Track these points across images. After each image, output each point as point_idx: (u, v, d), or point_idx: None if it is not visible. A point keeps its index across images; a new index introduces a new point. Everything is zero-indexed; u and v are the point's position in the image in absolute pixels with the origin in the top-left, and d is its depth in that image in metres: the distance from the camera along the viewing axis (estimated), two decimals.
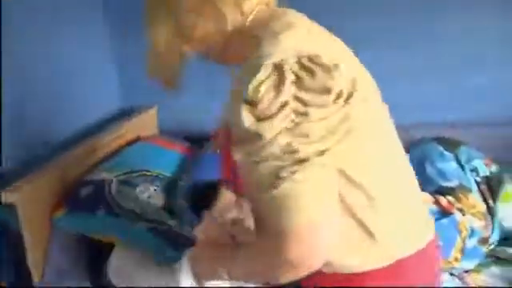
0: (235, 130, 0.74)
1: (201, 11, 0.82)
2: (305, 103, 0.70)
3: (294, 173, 0.69)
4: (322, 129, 0.70)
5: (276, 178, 0.70)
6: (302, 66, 0.71)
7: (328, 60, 0.72)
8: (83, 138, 1.80)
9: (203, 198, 1.58)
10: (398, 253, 0.82)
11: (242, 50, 0.80)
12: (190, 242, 1.50)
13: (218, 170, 1.73)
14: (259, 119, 0.70)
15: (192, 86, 2.17)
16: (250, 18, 0.82)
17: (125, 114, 2.20)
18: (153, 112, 2.21)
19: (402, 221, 0.83)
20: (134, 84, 2.23)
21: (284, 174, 0.69)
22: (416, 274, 0.83)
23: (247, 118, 0.71)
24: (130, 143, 1.88)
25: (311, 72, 0.70)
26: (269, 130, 0.69)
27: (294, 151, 0.69)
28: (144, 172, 1.69)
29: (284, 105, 0.70)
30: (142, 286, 1.40)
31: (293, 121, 0.70)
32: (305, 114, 0.70)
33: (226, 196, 1.58)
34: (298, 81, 0.70)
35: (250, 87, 0.70)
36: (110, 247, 1.53)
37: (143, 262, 1.45)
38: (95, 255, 1.59)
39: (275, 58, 0.71)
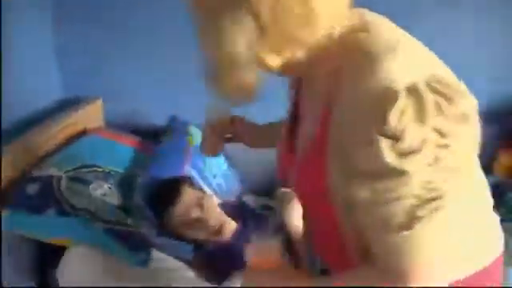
0: (360, 162, 0.65)
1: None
2: (444, 134, 0.63)
3: (432, 212, 0.63)
4: (458, 162, 0.65)
5: (411, 218, 0.64)
6: (435, 91, 0.63)
7: (452, 80, 0.67)
8: (25, 129, 1.63)
9: (163, 195, 1.51)
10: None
11: (328, 63, 0.71)
12: (149, 244, 1.43)
13: (177, 166, 1.67)
14: (401, 154, 0.62)
15: (140, 76, 2.11)
16: (339, 29, 0.71)
17: (69, 104, 2.04)
18: (98, 103, 2.06)
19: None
20: (77, 75, 2.08)
21: (420, 213, 0.63)
22: None
23: (389, 154, 0.62)
24: (78, 136, 1.74)
25: (446, 97, 0.63)
26: (413, 166, 0.62)
27: (434, 189, 0.63)
28: (95, 168, 1.57)
29: (427, 137, 0.63)
30: None
31: (435, 155, 0.63)
32: (445, 147, 0.63)
33: (190, 194, 1.51)
34: (437, 108, 0.63)
35: (392, 119, 0.61)
36: (59, 251, 1.41)
37: (101, 266, 1.34)
38: (43, 259, 1.45)
39: (407, 83, 0.62)
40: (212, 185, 1.80)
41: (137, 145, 1.83)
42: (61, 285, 1.33)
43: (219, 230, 1.50)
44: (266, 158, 2.05)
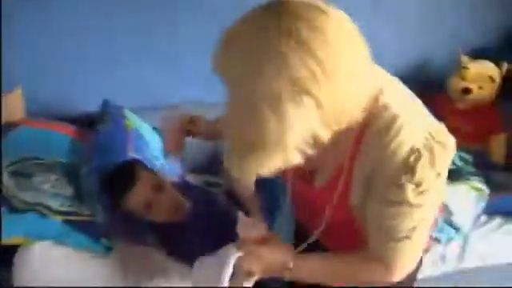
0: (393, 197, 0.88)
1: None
2: (440, 172, 0.86)
3: (420, 231, 0.91)
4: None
5: (413, 229, 0.90)
6: (438, 143, 0.85)
7: (440, 128, 0.89)
8: None
9: (118, 179, 1.47)
10: None
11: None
12: (108, 231, 1.40)
13: (121, 151, 1.62)
14: (419, 193, 0.85)
15: (63, 61, 1.99)
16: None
17: None
18: (18, 93, 1.90)
19: None
20: None
21: (414, 231, 0.90)
22: None
23: (411, 195, 0.85)
24: (9, 129, 1.60)
25: (443, 145, 0.86)
26: (426, 202, 0.87)
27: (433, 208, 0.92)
28: (36, 160, 1.47)
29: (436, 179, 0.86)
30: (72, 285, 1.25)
31: (435, 189, 0.87)
32: (440, 180, 0.88)
33: (146, 176, 1.49)
34: (440, 155, 0.85)
35: (418, 171, 0.83)
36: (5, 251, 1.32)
37: (64, 260, 1.29)
38: None
39: (422, 142, 0.84)
40: (156, 166, 1.77)
41: (73, 133, 1.73)
42: (25, 284, 1.26)
43: (177, 209, 1.51)
44: (199, 140, 2.11)
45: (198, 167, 2.07)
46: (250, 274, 1.00)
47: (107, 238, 1.36)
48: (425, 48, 2.26)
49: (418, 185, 0.85)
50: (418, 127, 0.87)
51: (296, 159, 0.74)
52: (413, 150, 0.83)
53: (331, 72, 0.70)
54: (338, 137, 0.82)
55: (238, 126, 0.73)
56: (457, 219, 1.56)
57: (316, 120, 0.71)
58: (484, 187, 1.71)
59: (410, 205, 0.87)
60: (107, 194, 1.44)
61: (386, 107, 0.86)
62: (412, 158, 0.83)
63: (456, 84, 2.04)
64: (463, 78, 2.02)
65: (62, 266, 1.29)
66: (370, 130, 0.87)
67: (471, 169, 1.80)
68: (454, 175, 1.75)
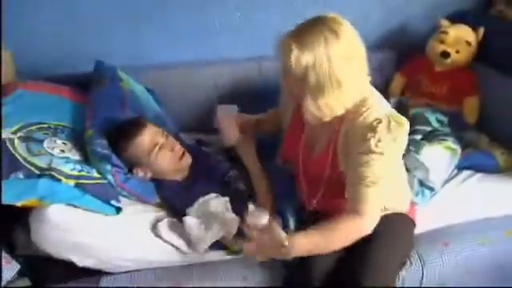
0: (363, 148, 1.25)
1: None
2: (396, 140, 1.25)
3: (383, 178, 1.27)
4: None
5: (378, 177, 1.25)
6: (395, 120, 1.25)
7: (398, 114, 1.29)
8: None
9: (127, 130, 1.55)
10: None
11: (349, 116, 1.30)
12: (116, 192, 1.48)
13: (119, 112, 1.67)
14: (380, 145, 1.23)
15: (51, 23, 1.97)
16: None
17: None
18: (8, 55, 1.88)
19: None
20: None
21: (379, 180, 1.26)
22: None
23: (374, 145, 1.24)
24: (6, 93, 1.62)
25: (399, 122, 1.25)
26: (386, 153, 1.24)
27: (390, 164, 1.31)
28: (41, 125, 1.52)
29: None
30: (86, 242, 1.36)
31: (391, 149, 1.27)
32: (396, 145, 1.27)
33: (152, 126, 1.60)
34: (395, 128, 1.25)
35: (380, 130, 1.23)
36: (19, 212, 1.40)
37: (78, 221, 1.38)
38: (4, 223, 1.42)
39: (382, 116, 1.25)
40: None
41: (70, 95, 1.76)
42: (41, 244, 1.35)
43: (181, 157, 1.60)
44: (191, 98, 2.17)
45: (190, 126, 2.15)
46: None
47: (117, 200, 1.45)
48: (406, 12, 2.33)
49: (379, 140, 1.22)
50: (380, 109, 1.27)
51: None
52: (376, 119, 1.24)
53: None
54: (330, 120, 1.28)
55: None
56: (432, 177, 1.71)
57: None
58: (457, 147, 1.85)
59: (374, 153, 1.23)
60: (115, 145, 1.51)
61: (363, 99, 1.28)
62: (375, 123, 1.23)
63: (435, 47, 2.13)
64: (442, 42, 2.12)
65: (74, 228, 1.38)
66: (348, 113, 1.28)
67: (447, 130, 1.94)
68: (431, 136, 1.89)
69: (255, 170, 1.63)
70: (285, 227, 1.50)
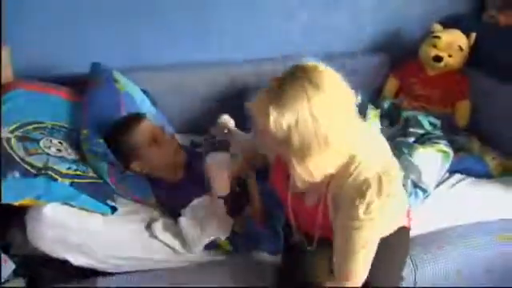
0: (350, 214, 1.16)
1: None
2: (390, 195, 1.15)
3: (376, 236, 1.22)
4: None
5: (366, 243, 1.19)
6: (386, 177, 1.14)
7: (390, 166, 1.20)
8: None
9: (124, 123, 1.57)
10: None
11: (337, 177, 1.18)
12: (112, 191, 1.49)
13: (115, 113, 1.68)
14: (368, 212, 1.14)
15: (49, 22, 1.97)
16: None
17: None
18: (6, 52, 1.89)
19: None
20: None
21: (373, 240, 1.21)
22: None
23: (362, 213, 1.14)
24: (3, 92, 1.62)
25: (391, 177, 1.15)
26: (374, 219, 1.15)
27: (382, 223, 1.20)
28: (37, 124, 1.53)
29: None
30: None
31: (383, 208, 1.16)
32: (389, 200, 1.16)
33: (149, 121, 1.62)
34: (387, 185, 1.14)
35: (368, 196, 1.13)
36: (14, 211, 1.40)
37: (74, 220, 1.39)
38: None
39: (372, 177, 1.14)
40: None
41: (67, 95, 1.77)
42: (37, 243, 1.35)
43: (176, 152, 1.61)
44: (187, 99, 2.18)
45: (186, 127, 2.16)
46: None
47: (112, 199, 1.46)
48: (401, 16, 2.37)
49: (368, 206, 1.13)
50: (371, 166, 1.15)
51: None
52: (365, 181, 1.13)
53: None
54: None
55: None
56: (424, 179, 1.74)
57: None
58: (449, 150, 1.88)
59: (361, 220, 1.14)
60: (112, 140, 1.53)
61: (351, 156, 1.16)
62: (364, 187, 1.13)
63: (428, 52, 2.17)
64: (435, 46, 2.15)
65: (70, 227, 1.39)
66: (338, 172, 1.18)
67: (439, 133, 1.97)
68: (423, 138, 1.92)
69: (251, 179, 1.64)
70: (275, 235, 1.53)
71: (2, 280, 1.36)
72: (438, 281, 1.58)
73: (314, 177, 1.15)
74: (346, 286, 1.23)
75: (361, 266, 1.21)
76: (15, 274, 1.41)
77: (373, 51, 2.38)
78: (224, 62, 2.22)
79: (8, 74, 1.88)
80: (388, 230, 1.37)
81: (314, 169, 1.13)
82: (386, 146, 1.27)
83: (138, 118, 1.59)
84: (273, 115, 1.04)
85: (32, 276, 1.45)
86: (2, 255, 1.35)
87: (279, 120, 1.04)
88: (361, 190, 1.13)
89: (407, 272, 1.53)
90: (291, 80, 1.06)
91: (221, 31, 2.18)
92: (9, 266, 1.36)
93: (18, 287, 1.41)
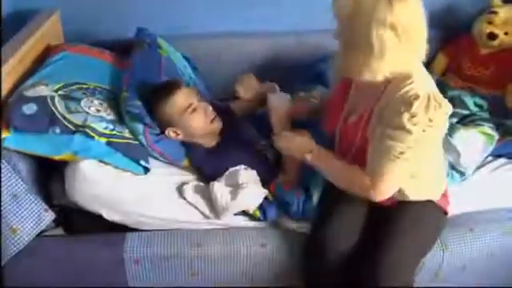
0: (394, 122, 1.23)
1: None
2: (432, 121, 1.21)
3: (406, 155, 1.23)
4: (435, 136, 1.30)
5: (401, 153, 1.23)
6: (435, 100, 1.21)
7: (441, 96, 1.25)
8: None
9: (164, 88, 1.62)
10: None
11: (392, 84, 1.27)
12: (147, 152, 1.55)
13: (156, 78, 1.72)
14: (412, 122, 1.20)
15: None
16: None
17: (22, 19, 1.95)
18: (56, 16, 1.98)
19: None
20: None
21: (403, 156, 1.23)
22: None
23: (406, 121, 1.20)
24: (51, 54, 1.72)
25: (439, 103, 1.21)
26: (414, 130, 1.20)
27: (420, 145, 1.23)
28: (80, 85, 1.60)
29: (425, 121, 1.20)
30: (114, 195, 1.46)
31: (424, 130, 1.21)
32: (431, 127, 1.21)
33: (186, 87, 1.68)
34: (435, 107, 1.20)
35: (414, 107, 1.19)
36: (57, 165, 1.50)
37: (110, 176, 1.46)
38: (44, 175, 1.53)
39: (424, 94, 1.20)
40: None
41: (111, 59, 1.84)
42: (73, 196, 1.45)
43: (213, 120, 1.64)
44: (228, 68, 2.19)
45: (224, 96, 2.18)
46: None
47: (145, 160, 1.51)
48: None
49: (412, 115, 1.19)
50: (424, 87, 1.22)
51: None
52: (415, 94, 1.20)
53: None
54: (370, 90, 1.30)
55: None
56: (463, 161, 1.67)
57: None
58: (494, 133, 1.78)
59: (403, 128, 1.20)
60: (152, 103, 1.57)
61: (407, 75, 1.24)
62: (412, 97, 1.20)
63: (482, 28, 2.04)
64: (490, 22, 2.03)
65: (104, 183, 1.46)
66: (391, 86, 1.26)
67: (485, 115, 1.87)
68: (467, 120, 1.84)
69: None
70: (308, 199, 1.54)
71: (43, 229, 1.46)
72: (467, 262, 1.55)
73: (349, 70, 1.26)
74: (369, 188, 1.30)
75: (388, 177, 1.27)
76: (55, 222, 1.51)
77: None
78: (266, 32, 2.21)
79: (58, 37, 1.98)
80: (424, 186, 1.41)
81: (354, 64, 1.23)
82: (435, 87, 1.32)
83: (175, 84, 1.62)
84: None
85: (70, 225, 1.55)
86: (43, 205, 1.45)
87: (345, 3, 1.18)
88: (408, 100, 1.20)
89: (435, 251, 1.50)
90: None
91: (263, 1, 2.16)
92: (49, 216, 1.46)
93: (57, 235, 1.52)
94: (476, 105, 1.90)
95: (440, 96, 1.23)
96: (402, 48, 1.18)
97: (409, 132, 1.20)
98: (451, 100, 1.89)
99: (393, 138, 1.22)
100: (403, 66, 1.23)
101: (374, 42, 1.17)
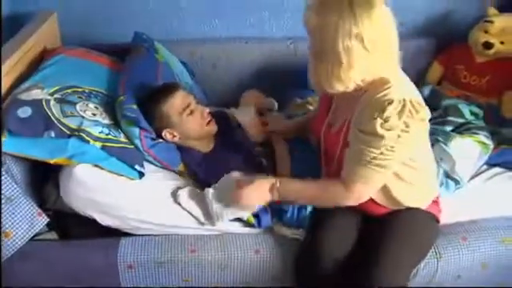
0: (367, 127, 1.23)
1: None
2: (408, 126, 1.21)
3: (385, 160, 1.24)
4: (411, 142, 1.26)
5: (373, 158, 1.24)
6: (411, 105, 1.20)
7: (420, 100, 1.24)
8: None
9: (161, 91, 1.62)
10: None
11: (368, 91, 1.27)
12: (142, 158, 1.55)
13: (152, 82, 1.72)
14: (384, 127, 1.20)
15: None
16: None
17: (19, 21, 1.95)
18: (53, 18, 1.98)
19: None
20: None
21: (375, 161, 1.24)
22: None
23: (378, 127, 1.20)
24: (47, 57, 1.72)
25: (415, 109, 1.21)
26: (387, 135, 1.20)
27: (391, 151, 1.23)
28: (75, 88, 1.60)
29: (399, 125, 1.20)
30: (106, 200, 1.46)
31: (399, 136, 1.21)
32: (406, 132, 1.21)
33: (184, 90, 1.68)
34: (410, 113, 1.20)
35: (387, 112, 1.19)
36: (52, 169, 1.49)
37: (103, 181, 1.46)
38: (39, 179, 1.52)
39: (399, 99, 1.20)
40: None
41: (108, 63, 1.84)
42: (67, 200, 1.44)
43: (210, 122, 1.65)
44: (223, 75, 2.20)
45: (221, 101, 2.19)
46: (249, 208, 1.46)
47: (140, 165, 1.51)
48: None
49: (385, 120, 1.20)
50: (401, 92, 1.22)
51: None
52: (389, 99, 1.20)
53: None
54: (349, 100, 1.30)
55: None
56: (458, 169, 1.67)
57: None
58: (490, 142, 1.79)
59: (376, 134, 1.20)
60: (148, 102, 1.58)
61: (384, 81, 1.24)
62: (386, 103, 1.20)
63: (477, 37, 2.06)
64: (486, 31, 2.04)
65: (98, 188, 1.46)
66: (368, 93, 1.26)
67: (481, 123, 1.88)
68: (462, 128, 1.84)
69: (281, 150, 1.66)
70: (303, 207, 1.54)
71: (37, 232, 1.46)
72: (462, 271, 1.55)
73: (319, 82, 1.26)
74: (345, 194, 1.30)
75: (363, 181, 1.27)
76: (48, 227, 1.50)
77: (418, 35, 2.28)
78: (264, 38, 2.21)
79: (55, 40, 1.98)
80: (410, 192, 1.40)
81: (323, 75, 1.24)
82: (418, 93, 1.31)
83: (172, 86, 1.64)
84: (308, 11, 1.21)
85: (63, 231, 1.54)
86: (37, 208, 1.44)
87: (311, 16, 1.20)
88: (382, 106, 1.20)
89: (429, 259, 1.50)
90: None
91: (261, 7, 2.17)
92: (43, 220, 1.45)
93: (50, 239, 1.51)
94: (472, 113, 1.90)
95: (418, 101, 1.23)
96: (371, 57, 1.20)
97: (381, 137, 1.21)
98: (447, 108, 1.92)
99: (365, 143, 1.23)
100: (375, 73, 1.24)
101: (342, 54, 1.18)
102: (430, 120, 1.85)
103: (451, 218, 1.62)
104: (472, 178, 1.74)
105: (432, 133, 1.77)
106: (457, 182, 1.69)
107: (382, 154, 1.23)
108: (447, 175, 1.69)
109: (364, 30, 1.16)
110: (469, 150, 1.75)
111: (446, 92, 2.09)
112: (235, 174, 1.52)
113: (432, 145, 1.69)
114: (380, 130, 1.20)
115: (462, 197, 1.67)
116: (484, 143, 1.78)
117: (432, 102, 2.02)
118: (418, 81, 2.24)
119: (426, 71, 2.24)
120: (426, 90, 2.04)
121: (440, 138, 1.75)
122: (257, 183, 1.40)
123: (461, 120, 1.88)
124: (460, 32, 2.18)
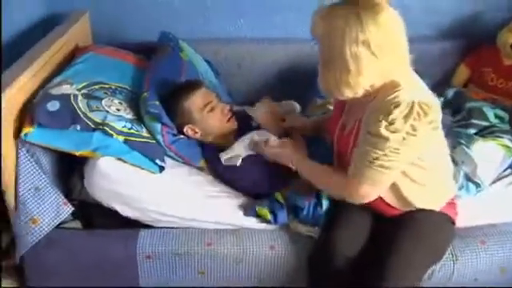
0: (373, 129, 1.24)
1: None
2: (415, 129, 1.20)
3: (388, 161, 1.24)
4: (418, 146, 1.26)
5: (376, 159, 1.24)
6: (419, 107, 1.19)
7: (430, 100, 1.23)
8: (18, 49, 1.66)
9: (183, 88, 1.68)
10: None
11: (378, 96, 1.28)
12: (163, 152, 1.60)
13: (176, 80, 1.77)
14: (390, 131, 1.21)
15: None
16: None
17: (55, 20, 2.05)
18: (85, 18, 2.07)
19: None
20: None
21: (384, 161, 1.25)
22: None
23: (383, 129, 1.21)
24: (78, 54, 1.80)
25: (424, 111, 1.20)
26: (392, 137, 1.21)
27: (395, 153, 1.24)
28: (102, 84, 1.67)
29: (404, 128, 1.20)
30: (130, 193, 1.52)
31: (404, 138, 1.21)
32: (413, 135, 1.21)
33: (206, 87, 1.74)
34: (417, 115, 1.19)
35: (393, 114, 1.20)
36: (78, 161, 1.56)
37: (126, 174, 1.52)
38: (65, 170, 1.60)
39: (407, 101, 1.20)
40: None
41: (134, 61, 1.91)
42: (91, 191, 1.51)
43: (230, 120, 1.70)
44: (247, 75, 2.23)
45: (244, 100, 2.22)
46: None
47: (161, 160, 1.57)
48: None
49: (390, 123, 1.20)
50: (410, 95, 1.21)
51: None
52: (396, 102, 1.20)
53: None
54: (361, 103, 1.31)
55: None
56: (480, 173, 1.65)
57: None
58: None
59: (380, 136, 1.21)
60: (171, 98, 1.64)
61: (395, 84, 1.24)
62: (393, 106, 1.20)
63: (506, 38, 2.02)
64: None
65: (120, 180, 1.51)
66: (378, 96, 1.27)
67: (506, 126, 1.84)
68: (486, 131, 1.81)
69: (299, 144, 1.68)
70: (318, 205, 1.55)
71: (62, 221, 1.53)
72: (479, 275, 1.54)
73: (330, 89, 1.27)
74: (348, 190, 1.33)
75: (366, 182, 1.28)
76: (73, 216, 1.58)
77: (444, 37, 2.25)
78: (288, 39, 2.23)
79: (86, 38, 2.07)
80: (423, 193, 1.40)
81: (331, 83, 1.25)
82: (430, 95, 1.30)
83: (195, 83, 1.69)
84: (315, 17, 1.24)
85: (87, 219, 1.61)
86: (63, 198, 1.52)
87: (318, 23, 1.23)
88: (388, 109, 1.20)
89: (445, 261, 1.50)
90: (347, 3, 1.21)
91: (286, 8, 2.19)
92: (68, 209, 1.53)
93: (74, 227, 1.59)
94: (496, 116, 1.86)
95: (427, 103, 1.21)
96: (379, 62, 1.20)
97: (386, 139, 1.21)
98: (470, 111, 1.90)
99: (371, 144, 1.24)
100: (385, 77, 1.25)
101: (350, 61, 1.19)
102: (454, 122, 1.87)
103: (470, 221, 1.60)
104: (494, 181, 1.71)
105: (455, 135, 1.77)
106: (477, 186, 1.66)
107: (385, 155, 1.23)
108: (468, 178, 1.66)
109: (371, 36, 1.16)
110: (491, 153, 1.72)
111: (471, 94, 2.05)
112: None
113: (454, 147, 1.68)
114: (385, 132, 1.21)
115: (482, 200, 1.65)
116: (508, 147, 1.75)
117: (456, 103, 2.01)
118: (445, 83, 2.22)
119: (453, 73, 2.21)
120: (450, 92, 2.01)
121: (462, 141, 1.73)
122: (284, 150, 1.56)
123: (485, 123, 1.84)
124: (489, 34, 2.14)
